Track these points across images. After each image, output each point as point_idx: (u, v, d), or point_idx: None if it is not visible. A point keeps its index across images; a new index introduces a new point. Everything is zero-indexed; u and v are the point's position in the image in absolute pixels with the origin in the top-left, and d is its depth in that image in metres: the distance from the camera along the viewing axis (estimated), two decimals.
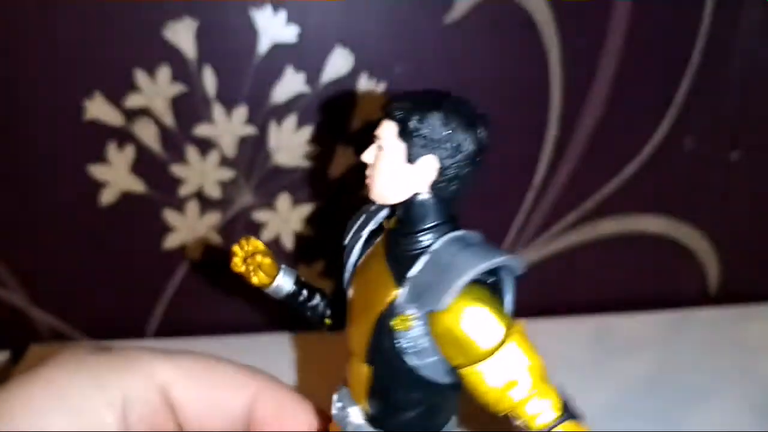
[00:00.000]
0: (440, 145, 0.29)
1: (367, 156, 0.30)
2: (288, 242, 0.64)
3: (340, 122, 0.61)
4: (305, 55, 0.58)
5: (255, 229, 0.63)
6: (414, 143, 0.29)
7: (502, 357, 0.28)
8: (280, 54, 0.58)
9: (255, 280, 0.35)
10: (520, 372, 0.28)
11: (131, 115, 0.58)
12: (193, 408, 0.36)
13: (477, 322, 0.28)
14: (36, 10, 0.55)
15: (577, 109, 0.64)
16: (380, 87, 0.60)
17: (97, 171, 0.60)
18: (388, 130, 0.30)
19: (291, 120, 0.60)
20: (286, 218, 0.63)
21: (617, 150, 0.66)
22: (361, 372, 0.31)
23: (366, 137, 0.58)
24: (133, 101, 0.58)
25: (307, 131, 0.61)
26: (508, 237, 0.68)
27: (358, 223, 0.33)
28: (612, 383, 0.58)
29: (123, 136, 0.59)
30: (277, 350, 0.60)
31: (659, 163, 0.67)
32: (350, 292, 0.32)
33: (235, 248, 0.35)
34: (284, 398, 0.38)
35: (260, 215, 0.63)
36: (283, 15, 0.57)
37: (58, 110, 0.58)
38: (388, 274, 0.30)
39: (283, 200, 0.63)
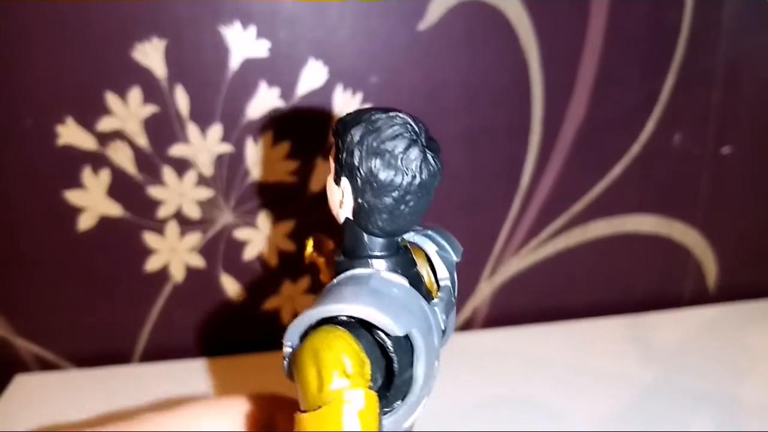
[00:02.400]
0: (351, 170, 0.26)
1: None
2: (272, 259, 0.63)
3: (318, 135, 0.60)
4: (278, 69, 0.57)
5: (237, 247, 0.62)
6: (337, 163, 0.27)
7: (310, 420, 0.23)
8: (253, 69, 0.57)
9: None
10: None
11: (104, 138, 0.57)
12: None
13: (299, 373, 0.24)
14: (3, 38, 0.54)
15: (561, 110, 0.63)
16: (356, 98, 0.59)
17: (73, 196, 0.59)
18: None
19: (267, 135, 0.59)
20: (268, 235, 0.62)
21: (604, 150, 0.65)
22: None
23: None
24: (105, 124, 0.57)
25: (285, 146, 0.60)
26: (496, 244, 0.66)
27: None
28: (611, 385, 0.57)
29: (97, 160, 0.58)
30: (264, 370, 0.59)
31: (648, 162, 0.65)
32: None
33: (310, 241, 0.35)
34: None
35: (242, 233, 0.62)
36: (253, 30, 0.56)
37: (31, 136, 0.57)
38: None
39: (264, 217, 0.62)
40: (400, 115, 0.26)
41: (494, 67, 0.60)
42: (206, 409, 0.38)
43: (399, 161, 0.25)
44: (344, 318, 0.24)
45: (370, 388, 0.23)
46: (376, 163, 0.25)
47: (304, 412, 0.23)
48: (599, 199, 0.66)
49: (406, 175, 0.26)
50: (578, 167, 0.65)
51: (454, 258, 0.31)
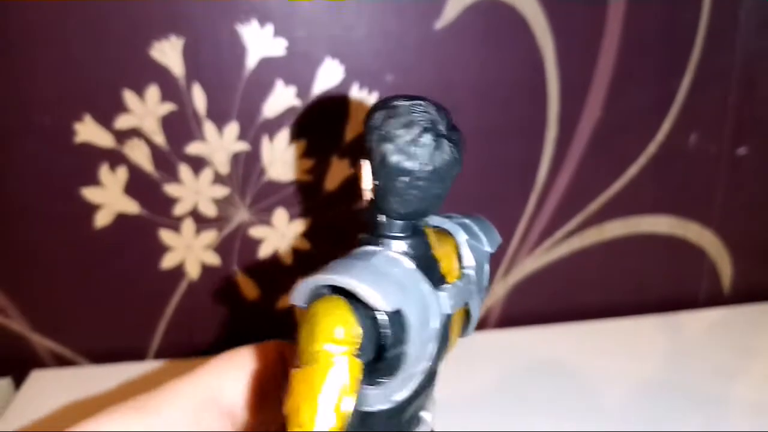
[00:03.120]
0: (370, 152, 0.27)
1: None
2: (286, 258, 0.63)
3: (334, 134, 0.60)
4: (295, 68, 0.57)
5: (252, 245, 0.63)
6: (364, 143, 0.27)
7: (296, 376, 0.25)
8: (269, 68, 0.57)
9: None
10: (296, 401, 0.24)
11: (122, 136, 0.58)
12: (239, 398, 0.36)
13: (299, 332, 0.25)
14: (22, 36, 0.54)
15: (577, 109, 0.62)
16: (372, 96, 0.59)
17: (90, 194, 0.59)
18: None
19: (283, 134, 0.59)
20: (284, 233, 0.62)
21: (620, 150, 0.65)
22: None
23: (360, 148, 0.57)
24: (123, 122, 0.57)
25: (301, 144, 0.60)
26: (511, 243, 0.66)
27: None
28: (625, 386, 0.57)
29: (115, 158, 0.58)
30: None
31: (664, 162, 0.65)
32: None
33: None
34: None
35: (257, 231, 0.62)
36: (270, 29, 0.56)
37: (49, 134, 0.57)
38: None
39: (280, 215, 0.62)
40: (422, 102, 0.27)
41: (510, 66, 0.60)
42: (219, 368, 0.37)
43: (410, 147, 0.26)
44: (349, 289, 0.26)
45: (358, 356, 0.25)
46: (388, 147, 0.26)
47: (297, 367, 0.25)
48: (615, 199, 0.66)
49: (416, 160, 0.26)
50: (594, 167, 0.64)
51: (488, 249, 0.31)
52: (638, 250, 0.69)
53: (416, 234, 0.28)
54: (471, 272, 0.31)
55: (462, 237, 0.31)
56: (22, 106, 0.56)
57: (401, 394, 0.27)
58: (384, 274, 0.26)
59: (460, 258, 0.31)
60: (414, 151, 0.26)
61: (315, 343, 0.24)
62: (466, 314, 0.31)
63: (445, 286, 0.29)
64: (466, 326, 0.31)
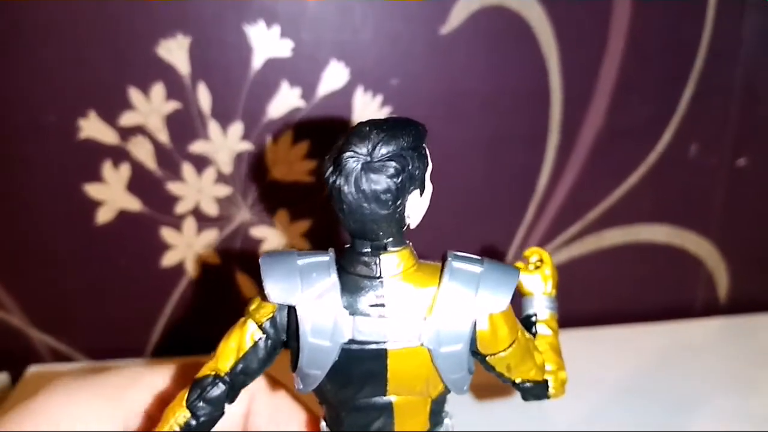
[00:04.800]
0: None
1: None
2: None
3: (337, 136, 0.60)
4: (300, 69, 0.58)
5: (253, 245, 0.63)
6: None
7: None
8: (275, 69, 0.57)
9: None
10: None
11: (126, 133, 0.58)
12: None
13: None
14: (29, 31, 0.54)
15: (579, 118, 0.63)
16: (376, 100, 0.59)
17: (93, 190, 0.59)
18: None
19: (287, 135, 0.59)
20: (285, 234, 0.63)
21: (621, 159, 0.65)
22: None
23: None
24: (127, 119, 0.57)
25: (304, 146, 0.60)
26: (510, 249, 0.67)
27: None
28: (620, 394, 0.58)
29: (118, 155, 0.59)
30: (276, 367, 0.59)
31: (664, 172, 0.66)
32: None
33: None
34: (279, 400, 0.39)
35: (258, 231, 0.62)
36: (276, 30, 0.56)
37: (52, 130, 0.57)
38: None
39: (281, 216, 0.62)
40: (381, 125, 0.28)
41: (514, 73, 0.61)
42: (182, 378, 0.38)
43: (340, 166, 0.28)
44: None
45: (260, 326, 0.30)
46: (327, 161, 0.29)
47: None
48: (614, 208, 0.66)
49: (341, 179, 0.28)
50: (594, 175, 0.65)
51: (480, 306, 0.30)
52: (636, 259, 0.69)
53: (371, 254, 0.30)
54: (437, 322, 0.29)
55: (448, 281, 0.30)
56: (27, 101, 0.56)
57: (304, 386, 0.31)
58: (296, 274, 0.29)
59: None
60: (341, 170, 0.28)
61: (246, 309, 0.31)
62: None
63: (367, 313, 0.29)
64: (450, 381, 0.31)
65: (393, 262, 0.30)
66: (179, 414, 0.30)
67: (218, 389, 0.30)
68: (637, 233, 0.68)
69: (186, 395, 0.30)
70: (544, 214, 0.66)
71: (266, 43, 0.56)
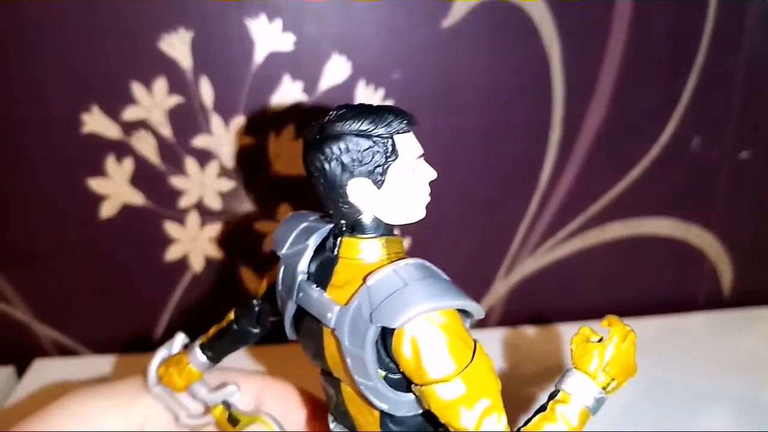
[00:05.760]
0: None
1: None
2: None
3: None
4: (302, 63, 0.58)
5: (257, 239, 0.63)
6: None
7: None
8: (277, 63, 0.57)
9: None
10: None
11: (129, 127, 0.58)
12: None
13: None
14: (32, 26, 0.55)
15: (581, 111, 0.63)
16: (378, 93, 0.59)
17: (96, 184, 0.60)
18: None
19: (289, 129, 0.59)
20: None
21: (623, 152, 0.65)
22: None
23: None
24: (130, 114, 0.58)
25: None
26: (513, 243, 0.67)
27: None
28: (623, 388, 0.57)
29: (121, 149, 0.59)
30: (280, 361, 0.60)
31: (666, 164, 0.66)
32: None
33: None
34: (287, 392, 0.42)
35: (262, 225, 0.63)
36: (278, 23, 0.56)
37: (56, 124, 0.57)
38: None
39: (285, 210, 0.62)
40: (342, 109, 0.29)
41: (516, 66, 0.60)
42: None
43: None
44: None
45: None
46: None
47: None
48: (617, 201, 0.66)
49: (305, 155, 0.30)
50: (597, 168, 0.65)
51: (375, 316, 0.28)
52: (639, 252, 0.69)
53: (335, 233, 0.31)
54: (347, 315, 0.29)
55: (369, 283, 0.29)
56: (30, 96, 0.57)
57: (288, 333, 0.33)
58: (293, 232, 0.33)
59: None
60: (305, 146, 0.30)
61: None
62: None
63: (316, 284, 0.31)
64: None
65: (353, 247, 0.30)
66: (228, 317, 0.40)
67: (252, 309, 0.39)
68: (640, 226, 0.68)
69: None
70: (547, 207, 0.66)
71: (268, 37, 0.57)
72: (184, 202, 0.61)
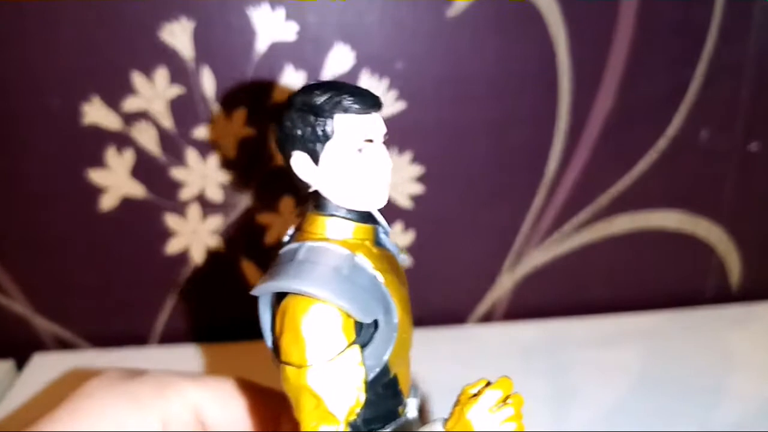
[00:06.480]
0: None
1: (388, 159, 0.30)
2: None
3: None
4: (305, 53, 0.57)
5: (259, 231, 0.62)
6: None
7: None
8: (280, 53, 0.57)
9: None
10: None
11: (130, 118, 0.57)
12: (223, 425, 0.39)
13: None
14: (32, 16, 0.54)
15: (588, 101, 0.62)
16: (382, 83, 0.58)
17: (96, 176, 0.59)
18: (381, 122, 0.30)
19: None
20: (290, 220, 0.62)
21: (630, 144, 0.64)
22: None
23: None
24: (131, 104, 0.57)
25: None
26: (519, 235, 0.66)
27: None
28: (630, 382, 0.57)
29: (122, 140, 0.58)
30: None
31: (674, 157, 0.65)
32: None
33: None
34: (229, 392, 0.40)
35: (263, 218, 0.62)
36: (281, 13, 0.56)
37: (56, 115, 0.57)
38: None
39: (286, 202, 0.61)
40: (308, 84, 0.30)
41: (522, 56, 0.60)
42: (213, 392, 0.39)
43: None
44: None
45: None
46: None
47: None
48: (624, 194, 0.66)
49: None
50: (604, 160, 0.64)
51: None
52: (647, 245, 0.68)
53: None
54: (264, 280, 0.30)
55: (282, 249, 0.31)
56: (30, 86, 0.56)
57: None
58: None
59: None
60: None
61: None
62: None
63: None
64: None
65: (308, 221, 0.30)
66: None
67: None
68: (647, 219, 0.67)
69: None
70: (553, 199, 0.65)
71: (271, 26, 0.56)
72: (185, 194, 0.60)
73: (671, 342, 0.63)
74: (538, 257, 0.67)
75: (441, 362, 0.59)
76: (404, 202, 0.63)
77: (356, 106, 0.28)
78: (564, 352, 0.61)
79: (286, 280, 0.27)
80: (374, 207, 0.30)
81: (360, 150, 0.29)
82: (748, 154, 0.66)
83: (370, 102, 0.29)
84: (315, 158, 0.29)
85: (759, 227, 0.69)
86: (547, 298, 0.69)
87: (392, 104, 0.59)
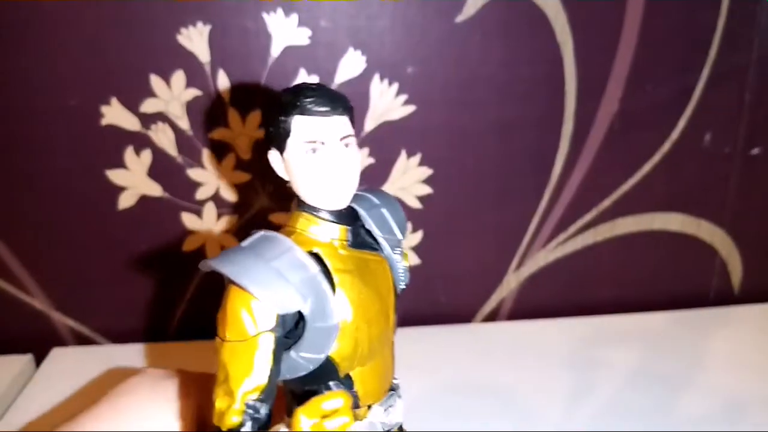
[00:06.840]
0: None
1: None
2: None
3: (354, 124, 0.61)
4: (318, 57, 0.59)
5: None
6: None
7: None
8: (293, 56, 0.58)
9: None
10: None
11: (147, 119, 0.59)
12: None
13: None
14: (52, 19, 0.56)
15: (593, 105, 0.63)
16: (393, 87, 0.60)
17: (115, 176, 0.61)
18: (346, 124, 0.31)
19: None
20: None
21: (635, 147, 0.66)
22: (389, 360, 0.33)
23: (381, 137, 0.58)
24: (149, 106, 0.59)
25: None
26: (524, 237, 0.67)
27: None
28: (633, 382, 0.58)
29: (140, 141, 0.60)
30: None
31: (678, 160, 0.66)
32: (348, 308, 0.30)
33: None
34: (167, 383, 0.39)
35: (277, 218, 0.63)
36: (294, 18, 0.57)
37: (75, 116, 0.59)
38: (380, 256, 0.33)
39: None
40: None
41: (529, 61, 0.61)
42: (138, 387, 0.39)
43: None
44: None
45: None
46: None
47: None
48: (628, 196, 0.67)
49: None
50: (608, 163, 0.65)
51: None
52: (650, 247, 0.69)
53: None
54: None
55: None
56: (50, 87, 0.58)
57: None
58: None
59: None
60: None
61: None
62: None
63: None
64: None
65: (291, 215, 0.32)
66: None
67: None
68: (650, 222, 0.69)
69: None
70: (559, 201, 0.66)
71: (284, 31, 0.57)
72: (201, 194, 0.62)
73: (673, 343, 0.63)
74: (543, 258, 0.68)
75: (447, 360, 0.60)
76: (413, 203, 0.64)
77: (311, 108, 0.29)
78: (568, 352, 0.62)
79: (219, 261, 0.29)
80: (332, 207, 0.31)
81: (314, 150, 0.30)
82: (751, 158, 0.67)
83: (327, 105, 0.30)
84: (281, 152, 0.30)
85: (761, 230, 0.70)
86: (552, 298, 0.70)
87: (402, 107, 0.60)
